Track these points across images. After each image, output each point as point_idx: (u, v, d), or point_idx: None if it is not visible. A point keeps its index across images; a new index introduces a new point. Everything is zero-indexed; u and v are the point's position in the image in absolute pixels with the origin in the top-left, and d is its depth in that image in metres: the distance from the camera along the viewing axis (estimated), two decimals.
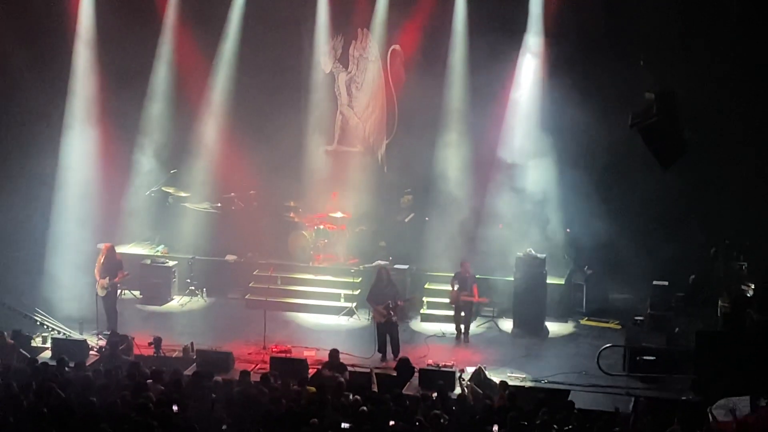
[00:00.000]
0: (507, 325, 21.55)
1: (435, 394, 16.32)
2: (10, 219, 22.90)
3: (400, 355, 19.43)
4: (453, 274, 21.28)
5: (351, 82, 24.38)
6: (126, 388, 16.09)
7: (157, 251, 23.88)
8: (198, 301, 23.10)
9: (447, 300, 21.33)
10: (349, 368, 18.32)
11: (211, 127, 24.05)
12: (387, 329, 19.93)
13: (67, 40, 23.64)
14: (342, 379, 17.34)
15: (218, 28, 23.87)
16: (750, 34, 21.24)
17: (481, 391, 17.20)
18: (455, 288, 21.00)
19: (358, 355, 19.61)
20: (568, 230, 22.38)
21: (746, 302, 18.96)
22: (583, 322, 21.83)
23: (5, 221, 22.82)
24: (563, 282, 22.22)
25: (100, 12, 23.63)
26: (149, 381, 16.42)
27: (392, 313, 19.88)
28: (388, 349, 19.88)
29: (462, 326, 21.04)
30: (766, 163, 21.53)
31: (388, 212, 23.47)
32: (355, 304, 22.17)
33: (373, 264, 22.23)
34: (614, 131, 20.40)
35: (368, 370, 18.30)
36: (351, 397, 15.93)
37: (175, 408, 15.14)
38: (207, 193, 24.14)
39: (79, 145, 23.63)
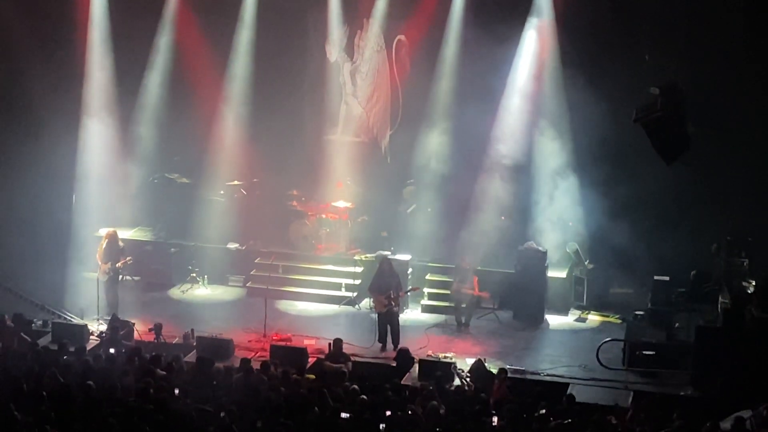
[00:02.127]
0: (507, 317, 21.55)
1: (431, 385, 16.36)
2: (12, 204, 22.92)
3: (400, 345, 19.44)
4: (454, 266, 21.32)
5: (356, 71, 24.36)
6: (127, 373, 16.17)
7: (159, 237, 23.89)
8: (199, 288, 23.12)
9: (448, 291, 21.40)
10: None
11: (216, 114, 24.02)
12: (388, 319, 19.97)
13: (77, 26, 23.62)
14: (344, 369, 17.41)
15: (225, 15, 23.84)
16: (756, 28, 21.20)
17: (472, 384, 17.20)
18: (456, 281, 21.03)
19: (359, 344, 19.62)
20: (570, 223, 22.38)
21: (747, 299, 18.94)
22: (584, 315, 21.83)
23: (5, 206, 22.83)
24: (564, 275, 22.22)
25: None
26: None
27: (393, 303, 19.92)
28: (389, 339, 19.90)
29: (462, 318, 21.07)
30: None
31: (390, 203, 23.45)
32: (356, 294, 22.19)
33: (375, 254, 22.25)
34: (618, 125, 20.40)
35: (369, 360, 18.41)
36: (350, 386, 15.97)
37: (176, 392, 15.21)
38: (210, 180, 24.12)
39: (82, 131, 23.64)
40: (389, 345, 19.82)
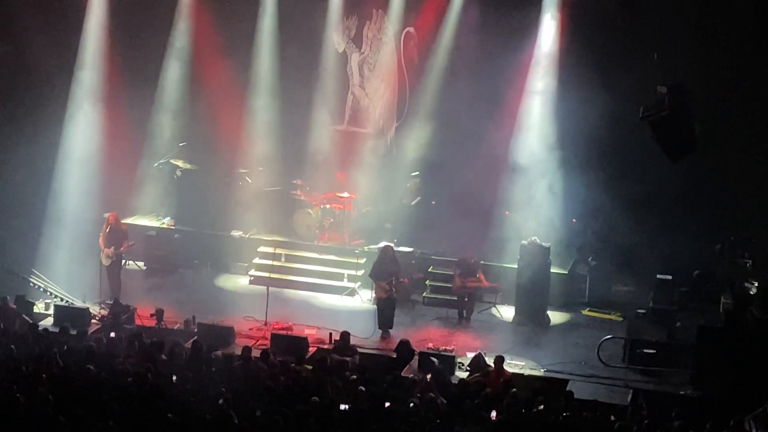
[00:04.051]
0: (509, 312, 21.55)
1: (429, 376, 16.36)
2: (15, 187, 22.93)
3: (401, 337, 19.42)
4: (456, 260, 21.35)
5: (364, 62, 24.34)
6: (128, 358, 16.20)
7: (163, 223, 23.94)
8: (202, 275, 23.13)
9: (450, 285, 21.42)
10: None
11: (222, 102, 24.01)
12: (387, 305, 20.05)
13: (81, 7, 23.63)
14: (347, 359, 17.42)
15: (234, 4, 23.86)
16: (765, 29, 21.15)
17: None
18: (457, 275, 21.05)
19: (359, 335, 19.62)
20: (574, 220, 22.37)
21: (749, 300, 18.93)
22: (585, 312, 21.82)
23: (11, 189, 22.84)
24: (566, 272, 22.20)
25: None
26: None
27: (394, 289, 19.99)
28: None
29: (464, 311, 21.09)
30: None
31: (394, 194, 23.46)
32: (358, 284, 22.21)
33: (378, 245, 22.23)
34: (624, 123, 20.36)
35: (369, 351, 18.48)
36: (350, 376, 15.99)
37: (174, 378, 15.22)
38: (216, 167, 24.12)
39: (88, 115, 23.64)
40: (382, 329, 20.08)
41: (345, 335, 18.37)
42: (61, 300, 20.68)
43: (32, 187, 23.16)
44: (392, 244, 21.89)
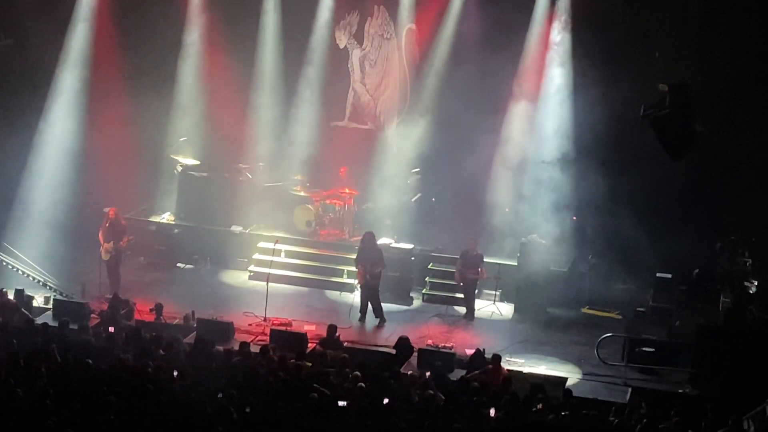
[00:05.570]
0: (508, 309, 21.55)
1: (428, 374, 16.36)
2: (16, 181, 22.91)
3: (401, 333, 19.42)
4: (459, 254, 21.38)
5: (365, 58, 24.33)
6: (126, 353, 16.19)
7: (163, 218, 23.92)
8: (201, 270, 23.12)
9: (450, 281, 21.46)
10: (347, 344, 18.43)
11: (223, 97, 24.00)
12: (366, 292, 20.48)
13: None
14: (345, 355, 17.42)
15: (236, 1, 23.90)
16: (767, 28, 21.14)
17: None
18: (459, 265, 21.07)
19: (345, 325, 19.82)
20: (574, 218, 22.35)
21: (749, 299, 18.92)
22: (585, 310, 21.82)
23: (9, 182, 22.82)
24: (566, 269, 22.19)
25: None
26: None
27: (369, 276, 20.28)
28: (370, 312, 20.56)
29: (466, 306, 21.12)
30: None
31: (395, 191, 23.45)
32: (357, 281, 22.20)
33: (378, 242, 22.22)
34: (625, 121, 20.35)
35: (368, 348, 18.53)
36: (350, 372, 15.99)
37: (175, 374, 15.22)
38: (216, 162, 24.11)
39: (87, 109, 23.64)
40: (375, 320, 20.42)
41: (331, 328, 18.34)
42: (61, 294, 20.64)
43: (25, 179, 23.12)
44: (393, 241, 21.97)
